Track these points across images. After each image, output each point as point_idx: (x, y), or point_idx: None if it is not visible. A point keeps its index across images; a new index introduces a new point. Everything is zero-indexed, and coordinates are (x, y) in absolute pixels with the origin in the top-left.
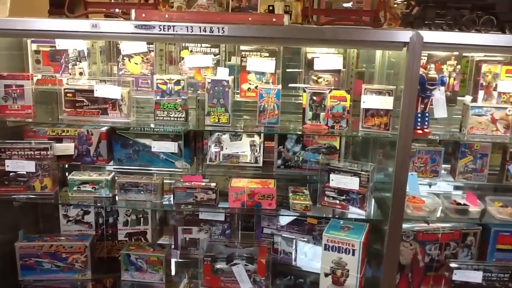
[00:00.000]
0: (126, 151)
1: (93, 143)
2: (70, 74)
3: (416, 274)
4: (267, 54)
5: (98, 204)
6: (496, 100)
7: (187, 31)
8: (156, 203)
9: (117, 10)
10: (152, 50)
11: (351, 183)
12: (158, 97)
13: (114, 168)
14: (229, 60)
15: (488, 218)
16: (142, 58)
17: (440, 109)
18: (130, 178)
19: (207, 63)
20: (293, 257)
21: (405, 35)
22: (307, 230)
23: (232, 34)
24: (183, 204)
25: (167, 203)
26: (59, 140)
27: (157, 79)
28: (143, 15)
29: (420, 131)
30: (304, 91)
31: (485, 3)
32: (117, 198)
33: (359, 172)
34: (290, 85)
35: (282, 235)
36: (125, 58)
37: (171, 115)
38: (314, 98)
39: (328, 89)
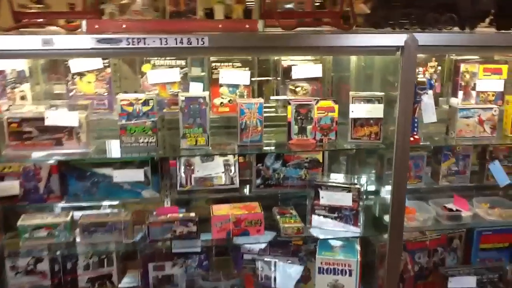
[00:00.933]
0: (83, 184)
1: (42, 178)
2: (10, 100)
3: (407, 284)
4: (239, 64)
5: (57, 253)
6: (475, 99)
7: (161, 44)
8: (128, 244)
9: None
10: (108, 66)
11: (344, 199)
12: (123, 121)
13: (69, 206)
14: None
15: (478, 221)
16: (96, 75)
17: (429, 114)
18: (94, 217)
19: (173, 78)
20: (273, 279)
21: (399, 38)
22: (292, 252)
23: (213, 45)
24: (160, 241)
25: (140, 239)
26: (0, 178)
27: (121, 100)
28: (96, 26)
29: (411, 138)
30: (289, 104)
31: (447, 1)
32: (78, 240)
33: (349, 186)
34: (272, 97)
35: (265, 259)
36: (75, 76)
37: (140, 141)
38: (300, 110)
39: (315, 99)
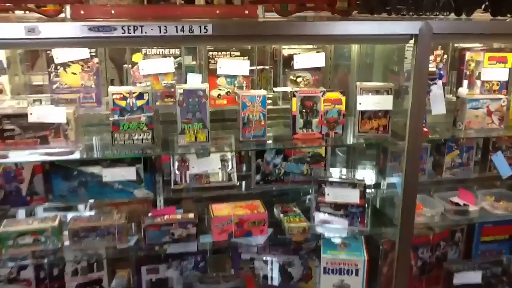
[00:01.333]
0: (69, 185)
1: (24, 179)
2: None
3: (411, 280)
4: (237, 53)
5: (45, 260)
6: (480, 89)
7: (160, 32)
8: (123, 249)
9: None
10: (95, 56)
11: (351, 196)
12: (116, 116)
13: (55, 207)
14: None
15: (485, 214)
16: (82, 66)
17: (438, 105)
18: (85, 221)
19: (167, 68)
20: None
21: (413, 26)
22: (293, 250)
23: (218, 33)
24: (158, 245)
25: (135, 242)
26: None
27: (113, 94)
28: (82, 11)
29: None
30: (294, 96)
31: None
32: (67, 244)
33: (356, 182)
34: (275, 89)
35: (264, 258)
36: (59, 67)
37: (134, 138)
38: (305, 103)
39: (321, 91)
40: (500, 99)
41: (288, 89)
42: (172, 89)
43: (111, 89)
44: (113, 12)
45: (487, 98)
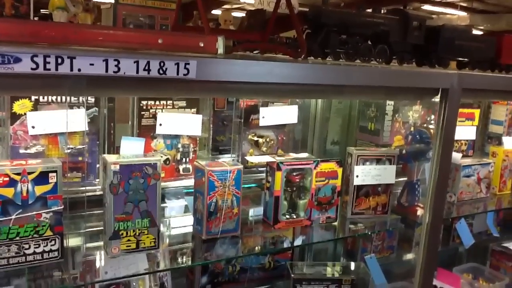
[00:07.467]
0: None
1: None
2: None
3: None
4: (183, 103)
5: None
6: None
7: (107, 70)
8: None
9: None
10: None
11: None
12: None
13: None
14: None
15: None
16: None
17: None
18: None
19: (77, 125)
20: None
21: (445, 78)
22: None
23: (202, 78)
24: None
25: None
26: None
27: None
28: None
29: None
30: (279, 169)
31: (381, 30)
32: None
33: (340, 278)
34: (250, 159)
35: None
36: None
37: (29, 252)
38: (291, 178)
39: (314, 161)
40: (489, 164)
41: (268, 158)
42: (80, 158)
43: None
44: None
45: (478, 164)
